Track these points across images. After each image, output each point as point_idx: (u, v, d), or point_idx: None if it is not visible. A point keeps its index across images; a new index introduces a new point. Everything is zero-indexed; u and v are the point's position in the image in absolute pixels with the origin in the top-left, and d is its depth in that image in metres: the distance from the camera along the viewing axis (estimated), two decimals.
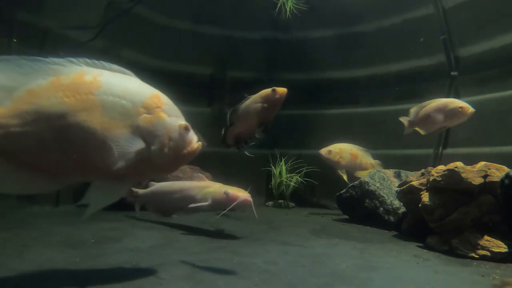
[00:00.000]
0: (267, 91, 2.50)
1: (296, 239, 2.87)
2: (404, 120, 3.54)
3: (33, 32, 4.47)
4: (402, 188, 3.13)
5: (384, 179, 3.84)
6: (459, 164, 2.60)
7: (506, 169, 2.52)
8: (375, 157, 4.43)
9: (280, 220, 3.94)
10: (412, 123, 3.35)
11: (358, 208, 3.81)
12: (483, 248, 2.38)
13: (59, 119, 1.40)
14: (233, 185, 2.74)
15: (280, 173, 5.26)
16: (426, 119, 3.26)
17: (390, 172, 3.97)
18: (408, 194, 3.04)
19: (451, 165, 2.60)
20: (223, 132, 2.70)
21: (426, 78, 4.88)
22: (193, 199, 2.71)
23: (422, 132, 3.42)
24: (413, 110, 3.35)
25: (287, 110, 5.69)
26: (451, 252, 2.49)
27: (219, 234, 2.95)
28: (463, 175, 2.52)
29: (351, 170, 4.23)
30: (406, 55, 5.07)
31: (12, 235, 2.56)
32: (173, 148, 1.51)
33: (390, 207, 3.55)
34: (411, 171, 3.77)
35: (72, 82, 1.42)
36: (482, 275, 2.00)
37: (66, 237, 2.59)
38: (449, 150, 4.45)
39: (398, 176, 3.92)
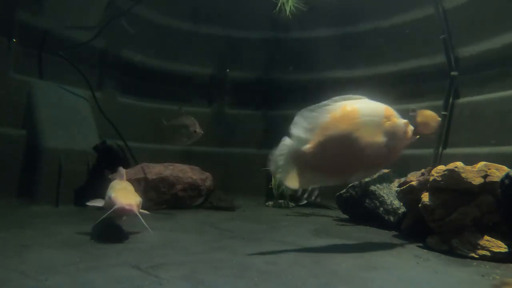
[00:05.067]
0: None
1: (296, 239, 2.87)
2: None
3: (33, 32, 4.47)
4: (402, 188, 3.13)
5: (384, 179, 3.84)
6: (459, 164, 2.59)
7: (506, 169, 2.51)
8: None
9: (280, 220, 3.93)
10: None
11: (358, 208, 3.81)
12: (483, 248, 2.38)
13: (339, 139, 2.17)
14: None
15: None
16: None
17: (390, 172, 3.96)
18: (408, 194, 3.03)
19: (451, 165, 2.59)
20: None
21: (426, 78, 4.88)
22: None
23: None
24: None
25: (287, 110, 5.71)
26: (451, 252, 2.49)
27: (219, 234, 2.95)
28: (463, 175, 2.52)
29: None
30: (406, 55, 5.07)
31: (12, 235, 2.56)
32: (403, 139, 2.19)
33: (390, 207, 3.55)
34: (411, 171, 3.76)
35: (341, 114, 2.17)
36: (482, 275, 2.00)
37: (66, 237, 2.59)
38: (449, 150, 4.44)
39: (398, 176, 3.91)
